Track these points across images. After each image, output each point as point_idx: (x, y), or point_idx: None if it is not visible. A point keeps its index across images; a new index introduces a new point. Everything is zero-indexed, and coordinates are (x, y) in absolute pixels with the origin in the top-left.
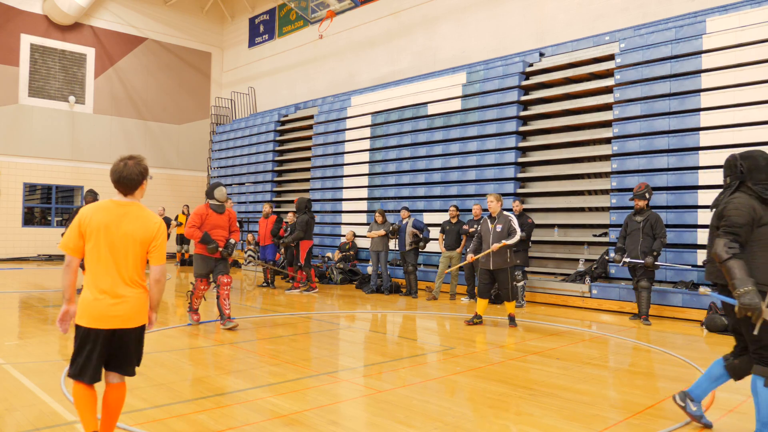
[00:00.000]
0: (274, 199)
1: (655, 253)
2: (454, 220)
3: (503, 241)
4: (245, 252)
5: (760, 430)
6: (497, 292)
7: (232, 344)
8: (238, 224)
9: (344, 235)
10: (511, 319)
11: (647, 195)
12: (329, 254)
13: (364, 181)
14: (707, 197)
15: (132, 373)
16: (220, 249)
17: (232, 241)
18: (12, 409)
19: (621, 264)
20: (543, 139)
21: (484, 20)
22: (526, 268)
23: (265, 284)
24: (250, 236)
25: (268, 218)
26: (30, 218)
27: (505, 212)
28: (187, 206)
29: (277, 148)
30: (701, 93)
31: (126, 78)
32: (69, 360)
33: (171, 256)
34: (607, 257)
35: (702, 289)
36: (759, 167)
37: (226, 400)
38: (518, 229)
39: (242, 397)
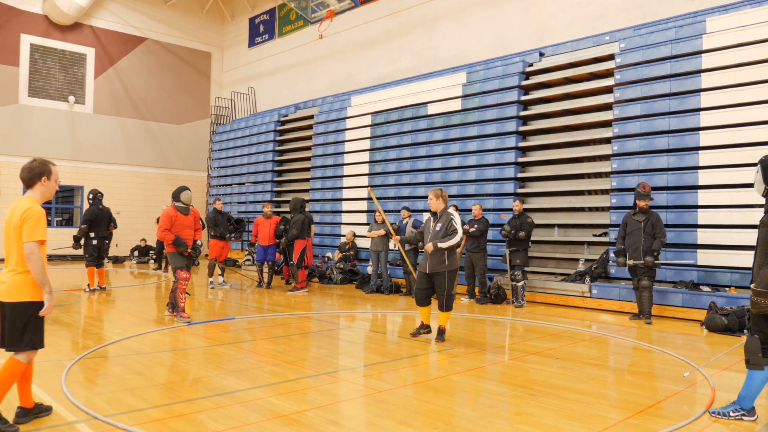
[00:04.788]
0: (274, 199)
1: (655, 253)
2: None
3: (439, 244)
4: (245, 252)
5: (737, 401)
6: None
7: (232, 344)
8: (201, 222)
9: (344, 235)
10: (440, 333)
11: (651, 195)
12: (329, 254)
13: (364, 181)
14: (707, 197)
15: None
16: (189, 250)
17: (199, 242)
18: (12, 408)
19: (626, 266)
20: (543, 139)
21: (484, 20)
22: (526, 268)
23: (260, 285)
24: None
25: (269, 218)
26: None
27: (449, 211)
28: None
29: (277, 148)
30: (701, 93)
31: (126, 78)
32: (70, 359)
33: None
34: (606, 257)
35: None
36: None
37: (226, 400)
38: (459, 229)
39: (242, 397)
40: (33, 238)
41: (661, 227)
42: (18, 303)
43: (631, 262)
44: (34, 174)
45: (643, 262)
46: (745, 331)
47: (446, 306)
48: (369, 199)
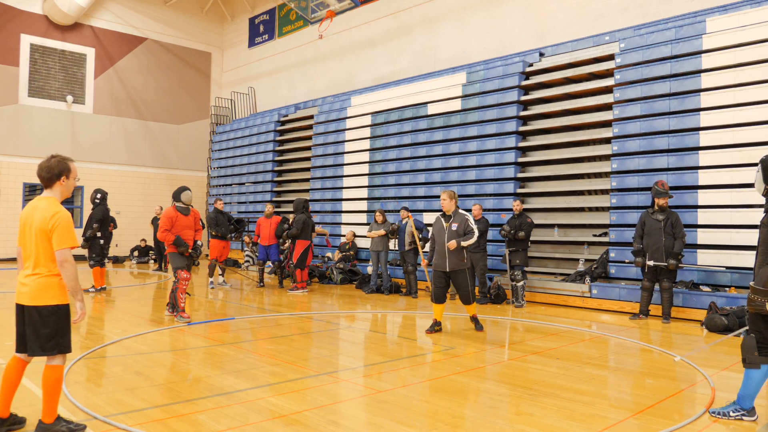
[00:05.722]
0: (274, 199)
1: (679, 257)
2: None
3: (462, 242)
4: (245, 252)
5: (737, 401)
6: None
7: (232, 344)
8: (201, 223)
9: (344, 235)
10: (476, 321)
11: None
12: (329, 254)
13: (364, 181)
14: (707, 197)
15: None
16: (190, 250)
17: (199, 242)
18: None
19: (645, 268)
20: (543, 139)
21: (484, 20)
22: (526, 268)
23: (261, 285)
24: (246, 237)
25: (270, 218)
26: None
27: (461, 211)
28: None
29: (277, 148)
30: (701, 93)
31: (126, 78)
32: (69, 360)
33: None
34: (606, 257)
35: None
36: None
37: (226, 400)
38: (475, 229)
39: (242, 397)
40: (66, 245)
41: (680, 227)
42: (44, 307)
43: (651, 262)
44: (53, 173)
45: (666, 264)
46: (741, 330)
47: (472, 298)
48: (369, 199)
